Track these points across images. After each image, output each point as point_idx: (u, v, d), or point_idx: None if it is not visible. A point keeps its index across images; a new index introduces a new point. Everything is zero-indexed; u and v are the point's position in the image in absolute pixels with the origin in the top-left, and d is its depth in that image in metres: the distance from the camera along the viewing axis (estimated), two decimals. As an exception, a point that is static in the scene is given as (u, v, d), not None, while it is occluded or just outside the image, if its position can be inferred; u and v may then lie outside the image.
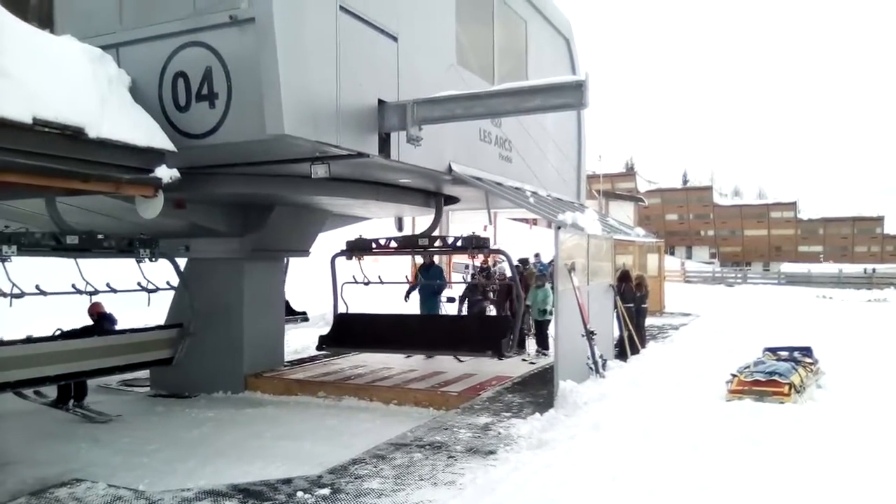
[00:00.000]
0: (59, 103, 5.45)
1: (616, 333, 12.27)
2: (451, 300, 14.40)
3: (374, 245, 11.22)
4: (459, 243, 10.75)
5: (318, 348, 11.52)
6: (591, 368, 9.53)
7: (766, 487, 5.29)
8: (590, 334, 9.53)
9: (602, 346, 10.20)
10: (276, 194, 9.53)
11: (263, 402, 10.29)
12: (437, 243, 11.10)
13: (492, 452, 6.70)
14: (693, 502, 5.02)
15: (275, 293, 11.57)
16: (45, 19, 7.26)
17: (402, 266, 20.45)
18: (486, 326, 11.55)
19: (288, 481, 6.01)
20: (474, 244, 10.50)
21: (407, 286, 14.58)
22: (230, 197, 9.73)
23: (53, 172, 5.64)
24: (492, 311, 14.16)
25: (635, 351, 12.22)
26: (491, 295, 14.07)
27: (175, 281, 10.09)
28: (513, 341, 10.29)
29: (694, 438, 6.55)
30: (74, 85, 5.80)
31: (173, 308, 11.45)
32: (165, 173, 6.30)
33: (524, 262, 17.65)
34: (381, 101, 7.64)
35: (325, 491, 5.72)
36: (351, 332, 11.43)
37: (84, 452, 7.68)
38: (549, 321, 12.59)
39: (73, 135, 5.49)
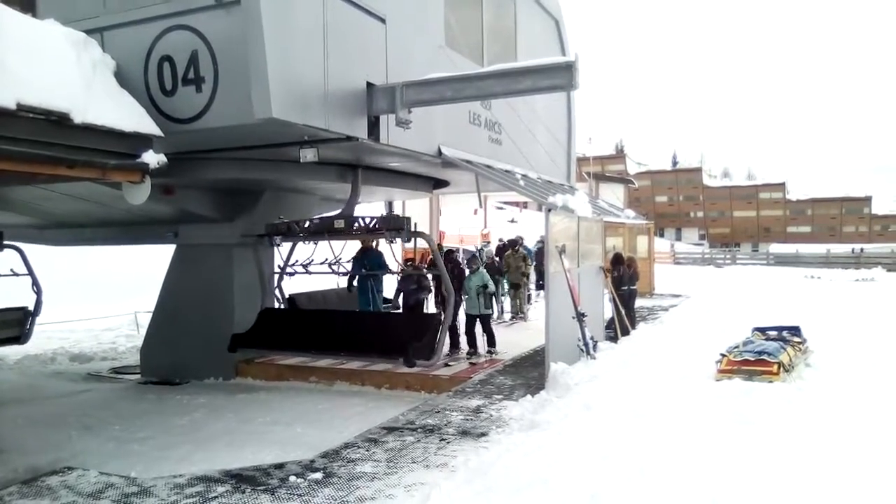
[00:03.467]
0: (43, 89, 5.38)
1: (607, 315, 12.31)
2: (386, 302, 12.72)
3: (287, 228, 9.58)
4: (375, 225, 9.07)
5: (231, 350, 9.86)
6: (581, 350, 9.57)
7: (756, 466, 5.34)
8: (580, 316, 9.55)
9: (592, 327, 10.23)
10: (264, 179, 9.48)
11: (255, 387, 10.30)
12: (354, 225, 9.23)
13: (484, 435, 6.74)
14: (684, 481, 5.06)
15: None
16: (27, 3, 7.15)
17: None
18: (407, 326, 9.56)
19: (280, 466, 6.02)
20: (391, 226, 8.91)
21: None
22: (219, 182, 9.67)
23: (38, 159, 5.56)
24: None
25: (625, 332, 12.27)
26: (428, 284, 12.28)
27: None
28: (438, 345, 8.62)
29: (684, 418, 6.59)
30: (58, 70, 5.72)
31: (163, 293, 11.45)
32: (152, 159, 6.23)
33: (514, 243, 17.53)
34: (369, 84, 7.59)
35: (318, 475, 5.73)
36: (271, 330, 9.92)
37: (75, 440, 7.67)
38: (489, 315, 11.47)
39: (57, 120, 5.42)
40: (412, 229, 8.91)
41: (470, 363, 10.72)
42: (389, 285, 13.34)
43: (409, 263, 12.13)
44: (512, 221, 28.82)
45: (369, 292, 12.42)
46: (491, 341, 11.33)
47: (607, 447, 5.81)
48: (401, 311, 12.16)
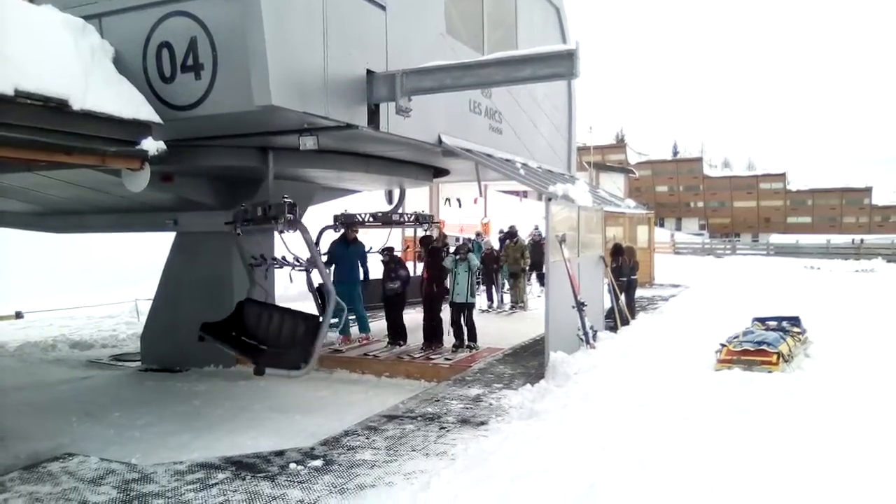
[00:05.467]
0: (41, 75, 5.34)
1: (606, 305, 12.31)
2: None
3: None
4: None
5: (200, 339, 8.73)
6: (581, 339, 9.59)
7: (755, 456, 5.35)
8: (580, 305, 9.56)
9: (592, 317, 10.24)
10: (263, 167, 9.44)
11: (255, 375, 10.28)
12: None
13: (483, 423, 6.75)
14: (683, 471, 5.07)
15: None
16: (24, -12, 7.09)
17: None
18: (285, 327, 8.16)
19: (280, 453, 6.04)
20: (271, 213, 8.03)
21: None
22: (218, 170, 9.64)
23: (37, 145, 5.54)
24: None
25: (625, 322, 12.29)
26: (403, 275, 11.43)
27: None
28: (313, 351, 7.28)
29: (683, 408, 6.61)
30: (57, 56, 5.68)
31: (163, 280, 11.46)
32: (151, 146, 6.20)
33: (513, 234, 17.42)
34: (369, 72, 7.54)
35: (318, 462, 5.75)
36: (235, 323, 8.93)
37: (76, 427, 7.70)
38: (473, 304, 11.12)
39: (56, 107, 5.38)
40: (295, 217, 7.98)
41: (445, 358, 10.32)
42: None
43: (384, 253, 11.65)
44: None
45: (348, 289, 11.31)
46: (472, 335, 10.96)
47: (606, 437, 5.82)
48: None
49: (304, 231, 8.14)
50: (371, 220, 12.73)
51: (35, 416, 8.21)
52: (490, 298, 16.65)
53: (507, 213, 29.64)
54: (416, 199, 23.14)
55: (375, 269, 12.28)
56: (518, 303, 16.53)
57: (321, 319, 7.54)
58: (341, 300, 11.39)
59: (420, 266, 13.91)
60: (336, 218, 12.24)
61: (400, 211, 13.69)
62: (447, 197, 20.38)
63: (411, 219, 13.42)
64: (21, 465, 6.06)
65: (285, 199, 7.91)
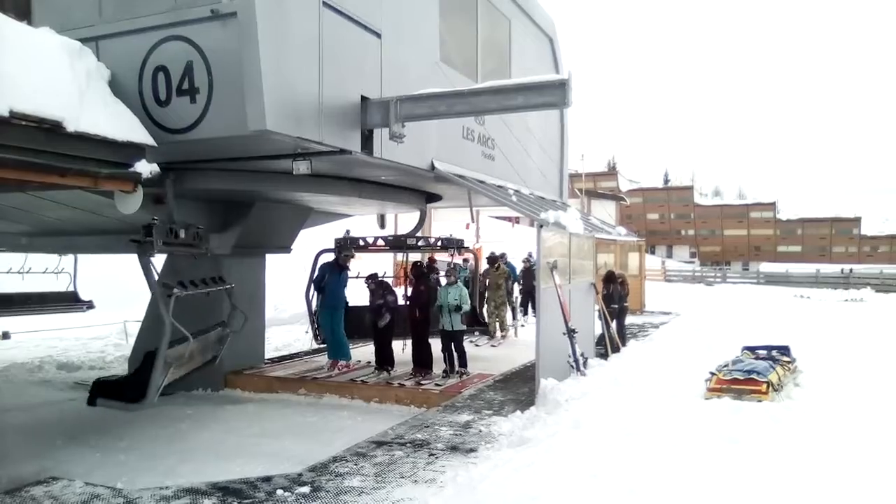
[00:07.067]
0: (36, 96, 5.36)
1: (597, 332, 12.31)
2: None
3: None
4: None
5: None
6: (572, 366, 9.57)
7: (744, 485, 5.34)
8: (571, 332, 9.56)
9: (583, 344, 10.23)
10: (257, 190, 9.47)
11: (243, 399, 10.24)
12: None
13: (473, 450, 6.71)
14: (673, 500, 5.06)
15: (255, 290, 11.48)
16: (22, 11, 7.14)
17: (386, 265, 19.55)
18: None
19: (268, 479, 5.98)
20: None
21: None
22: (211, 193, 9.65)
23: (30, 166, 5.54)
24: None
25: (616, 349, 12.29)
26: (391, 299, 11.29)
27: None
28: (150, 385, 6.88)
29: (673, 436, 6.59)
30: (52, 78, 5.71)
31: (153, 302, 11.38)
32: (145, 168, 6.22)
33: (493, 260, 16.82)
34: (364, 98, 7.61)
35: (305, 489, 5.70)
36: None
37: (61, 450, 7.60)
38: (463, 331, 10.94)
39: (50, 128, 5.40)
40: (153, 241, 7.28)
41: (435, 384, 10.23)
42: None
43: (369, 280, 11.52)
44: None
45: (333, 318, 11.53)
46: (462, 361, 10.88)
47: (596, 465, 5.80)
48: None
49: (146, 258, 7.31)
50: (381, 243, 12.20)
51: (19, 438, 8.10)
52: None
53: (500, 238, 29.75)
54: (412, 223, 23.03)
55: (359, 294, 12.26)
56: (493, 334, 15.44)
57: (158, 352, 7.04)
58: (326, 326, 11.54)
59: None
60: (337, 241, 12.15)
61: (419, 234, 13.12)
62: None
63: (436, 243, 12.85)
64: (3, 489, 5.97)
65: (152, 221, 7.32)
